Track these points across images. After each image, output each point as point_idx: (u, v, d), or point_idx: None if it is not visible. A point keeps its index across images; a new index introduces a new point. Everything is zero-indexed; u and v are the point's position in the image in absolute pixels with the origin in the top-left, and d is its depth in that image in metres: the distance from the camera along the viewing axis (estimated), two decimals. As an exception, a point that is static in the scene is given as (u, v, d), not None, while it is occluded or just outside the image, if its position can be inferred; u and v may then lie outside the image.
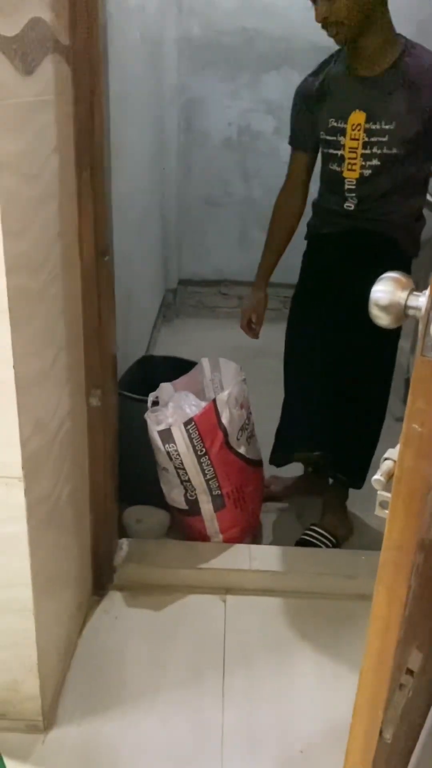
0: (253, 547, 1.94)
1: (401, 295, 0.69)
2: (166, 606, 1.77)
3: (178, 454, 1.80)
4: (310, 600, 1.80)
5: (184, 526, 1.98)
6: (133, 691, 1.52)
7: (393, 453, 0.74)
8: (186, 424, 1.78)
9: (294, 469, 2.25)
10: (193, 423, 1.78)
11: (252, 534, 2.04)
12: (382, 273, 0.71)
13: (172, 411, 1.84)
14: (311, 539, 2.01)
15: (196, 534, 1.95)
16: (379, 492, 0.75)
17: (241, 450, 1.91)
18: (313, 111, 1.84)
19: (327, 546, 2.00)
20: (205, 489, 1.86)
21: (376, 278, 0.70)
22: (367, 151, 1.74)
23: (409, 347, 2.70)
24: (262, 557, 1.88)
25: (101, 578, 1.78)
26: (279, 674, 1.59)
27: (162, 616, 1.74)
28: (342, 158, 1.79)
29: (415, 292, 0.69)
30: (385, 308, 0.70)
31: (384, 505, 0.74)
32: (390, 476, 0.74)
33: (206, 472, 1.84)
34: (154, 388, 2.16)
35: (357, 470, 1.97)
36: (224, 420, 1.83)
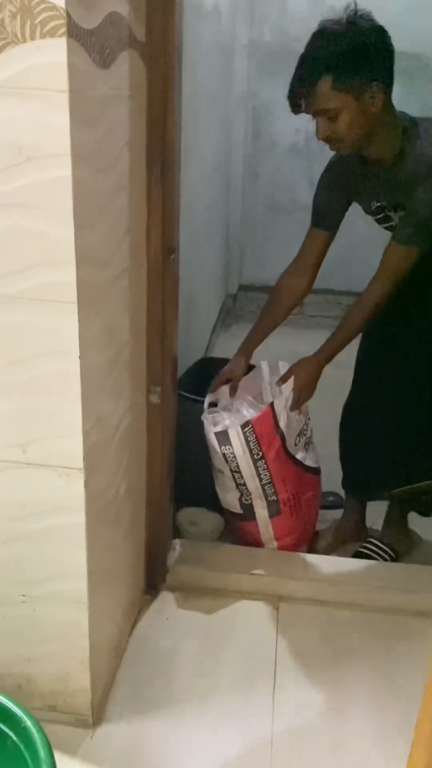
0: (309, 556, 1.90)
1: None
2: (218, 610, 1.74)
3: (234, 457, 1.78)
4: (366, 613, 1.75)
5: (237, 530, 1.95)
6: (182, 694, 1.50)
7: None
8: (243, 426, 1.76)
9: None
10: (250, 426, 1.76)
11: (308, 543, 2.00)
12: None
13: (230, 413, 1.82)
14: (369, 552, 1.96)
15: (249, 539, 1.92)
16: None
17: (299, 456, 1.87)
18: (347, 190, 1.76)
19: (385, 560, 1.94)
20: (260, 494, 1.83)
21: None
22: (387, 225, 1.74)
23: None
24: (318, 567, 1.84)
25: (154, 578, 1.77)
26: (331, 689, 1.54)
27: (214, 620, 1.72)
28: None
29: None
30: None
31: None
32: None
33: (262, 476, 1.81)
34: (212, 390, 2.16)
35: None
36: (282, 424, 1.79)
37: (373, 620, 1.73)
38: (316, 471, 1.97)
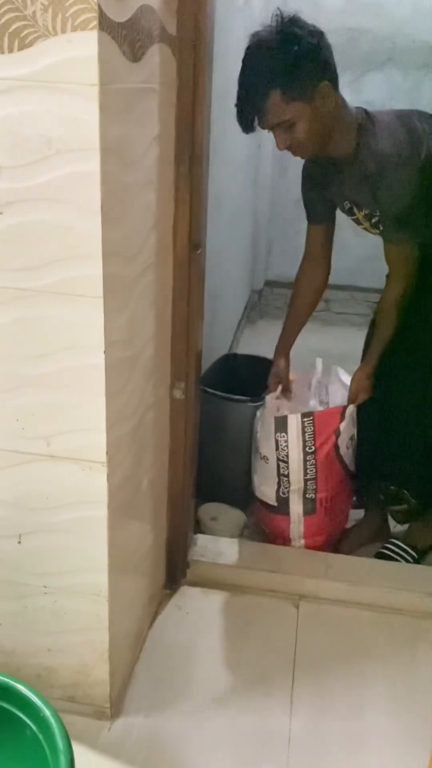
0: (330, 555, 1.89)
1: None
2: (238, 606, 1.74)
3: (287, 445, 1.78)
4: (387, 615, 1.73)
5: (266, 522, 1.95)
6: (201, 689, 1.50)
7: None
8: (304, 416, 1.77)
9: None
10: (311, 417, 1.77)
11: (334, 546, 1.98)
12: None
13: (293, 402, 1.84)
14: (391, 553, 1.94)
15: (277, 533, 1.91)
16: None
17: (346, 460, 1.88)
18: (322, 187, 1.77)
19: (407, 561, 1.92)
20: (300, 488, 1.83)
21: None
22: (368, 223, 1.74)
23: None
24: (339, 566, 1.83)
25: (174, 572, 1.78)
26: (350, 689, 1.53)
27: (233, 616, 1.72)
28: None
29: None
30: None
31: None
32: None
33: (308, 471, 1.81)
34: (236, 386, 2.15)
35: None
36: (342, 426, 1.81)
37: (394, 622, 1.71)
38: (354, 475, 1.96)
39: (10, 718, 1.19)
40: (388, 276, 1.75)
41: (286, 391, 1.96)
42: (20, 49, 0.95)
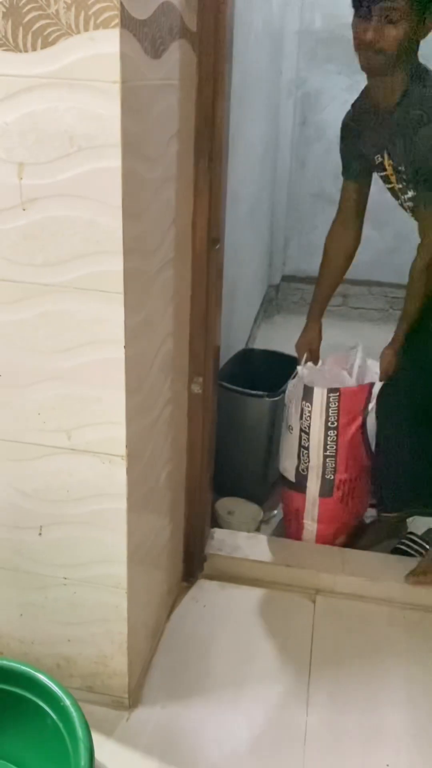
0: (347, 550, 1.89)
1: None
2: (255, 600, 1.75)
3: (310, 415, 1.79)
4: (403, 610, 1.73)
5: (284, 499, 1.96)
6: (217, 682, 1.52)
7: None
8: (331, 391, 1.77)
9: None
10: (337, 394, 1.77)
11: (347, 537, 1.98)
12: None
13: (325, 374, 1.84)
14: (408, 548, 1.93)
15: (291, 512, 1.92)
16: None
17: (373, 443, 1.86)
18: (360, 140, 1.74)
19: (424, 556, 1.91)
20: (319, 465, 1.83)
21: None
22: (401, 185, 1.67)
23: None
24: (356, 562, 1.83)
25: (191, 565, 1.79)
26: (367, 684, 1.53)
27: (250, 609, 1.73)
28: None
29: None
30: None
31: None
32: None
33: (328, 447, 1.81)
34: (253, 381, 2.16)
35: None
36: (370, 407, 1.80)
37: (410, 617, 1.72)
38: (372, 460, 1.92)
39: (31, 706, 1.22)
40: (420, 246, 1.69)
41: (315, 359, 1.94)
42: (43, 47, 0.96)
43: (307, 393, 1.79)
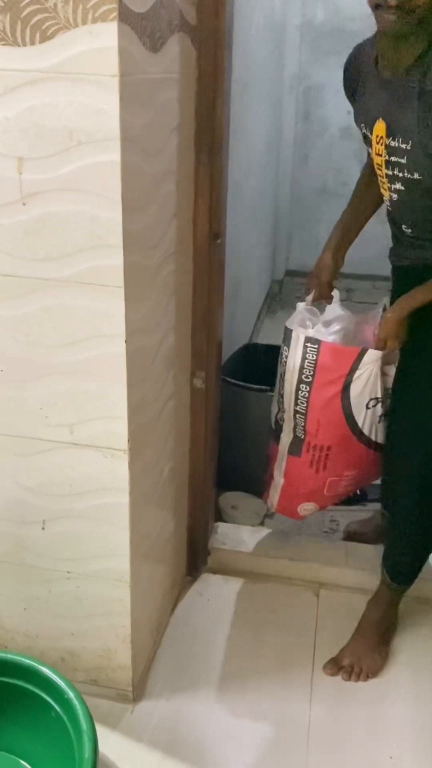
0: (350, 544, 1.89)
1: None
2: (258, 594, 1.76)
3: (285, 361, 1.62)
4: (407, 603, 1.73)
5: (268, 448, 1.80)
6: (221, 675, 1.52)
7: None
8: (309, 341, 1.56)
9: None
10: (317, 346, 1.55)
11: (348, 532, 1.95)
12: None
13: (317, 323, 1.61)
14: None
15: (268, 463, 1.79)
16: None
17: (359, 418, 1.60)
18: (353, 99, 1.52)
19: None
20: (291, 417, 1.65)
21: None
22: (390, 172, 1.40)
23: None
24: (360, 555, 1.83)
25: (195, 559, 1.80)
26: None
27: (253, 603, 1.73)
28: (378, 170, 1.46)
29: None
30: None
31: None
32: None
33: (299, 401, 1.61)
34: (256, 376, 2.15)
35: None
36: (355, 375, 1.54)
37: (416, 610, 1.71)
38: (374, 446, 1.65)
39: (35, 699, 1.23)
40: None
41: (326, 295, 1.71)
42: (42, 41, 0.96)
43: (288, 336, 1.60)
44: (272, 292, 3.90)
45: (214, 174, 1.43)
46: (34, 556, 1.34)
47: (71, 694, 1.18)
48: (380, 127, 1.38)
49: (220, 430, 1.80)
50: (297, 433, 1.66)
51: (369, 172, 1.62)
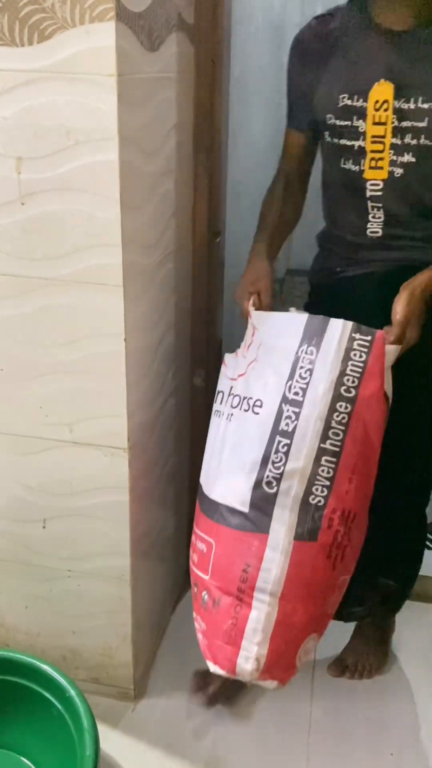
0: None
1: None
2: (259, 592, 1.76)
3: (310, 372, 1.06)
4: (411, 602, 1.71)
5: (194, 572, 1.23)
6: (222, 672, 1.52)
7: None
8: (360, 332, 1.08)
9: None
10: (369, 340, 1.07)
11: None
12: None
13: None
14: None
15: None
16: None
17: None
18: (314, 77, 1.31)
19: (429, 549, 1.90)
20: (305, 478, 1.05)
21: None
22: (397, 141, 1.24)
23: None
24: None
25: (196, 558, 1.80)
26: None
27: (254, 601, 1.73)
28: (362, 152, 1.27)
29: None
30: None
31: None
32: None
33: (332, 432, 1.04)
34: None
35: None
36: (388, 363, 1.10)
37: (418, 609, 1.71)
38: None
39: (37, 698, 1.23)
40: None
41: (265, 305, 1.40)
42: (40, 41, 0.97)
43: (318, 327, 1.10)
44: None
45: (213, 173, 1.44)
46: (34, 554, 1.34)
47: (72, 692, 1.18)
48: (383, 90, 1.22)
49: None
50: (313, 500, 1.06)
51: (280, 187, 1.50)
